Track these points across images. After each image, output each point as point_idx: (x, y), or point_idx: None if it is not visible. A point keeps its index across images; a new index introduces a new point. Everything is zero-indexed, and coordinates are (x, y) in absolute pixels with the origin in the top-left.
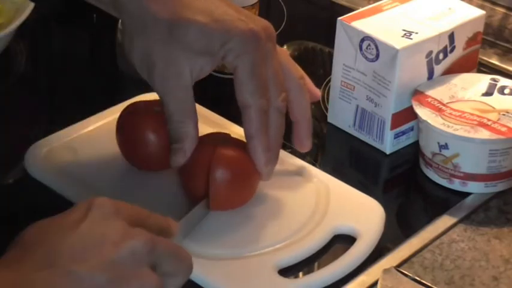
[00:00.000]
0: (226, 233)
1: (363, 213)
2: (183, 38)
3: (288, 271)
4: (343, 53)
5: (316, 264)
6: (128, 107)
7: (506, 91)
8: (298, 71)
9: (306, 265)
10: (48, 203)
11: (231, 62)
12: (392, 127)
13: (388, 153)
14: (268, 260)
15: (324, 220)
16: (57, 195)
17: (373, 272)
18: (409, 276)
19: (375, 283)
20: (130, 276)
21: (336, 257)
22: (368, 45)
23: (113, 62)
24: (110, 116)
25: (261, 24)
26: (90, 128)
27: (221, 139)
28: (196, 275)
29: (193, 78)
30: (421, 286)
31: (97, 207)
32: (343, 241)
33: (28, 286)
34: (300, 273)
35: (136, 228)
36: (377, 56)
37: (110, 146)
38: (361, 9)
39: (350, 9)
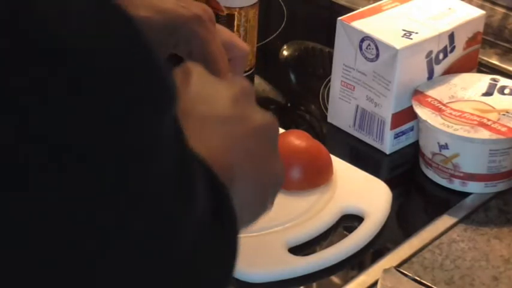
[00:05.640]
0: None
1: (369, 193)
2: None
3: (298, 249)
4: (343, 53)
5: (325, 242)
6: None
7: (506, 91)
8: (244, 44)
9: (316, 243)
10: None
11: (184, 49)
12: (392, 127)
13: (388, 153)
14: (279, 238)
15: (332, 200)
16: None
17: (373, 272)
18: (409, 276)
19: (375, 283)
20: (251, 112)
21: (344, 235)
22: (368, 45)
23: None
24: None
25: (201, 7)
26: None
27: None
28: None
29: None
30: (421, 286)
31: (196, 71)
32: (351, 221)
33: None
34: (310, 251)
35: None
36: (377, 56)
37: None
38: (361, 9)
39: (350, 9)
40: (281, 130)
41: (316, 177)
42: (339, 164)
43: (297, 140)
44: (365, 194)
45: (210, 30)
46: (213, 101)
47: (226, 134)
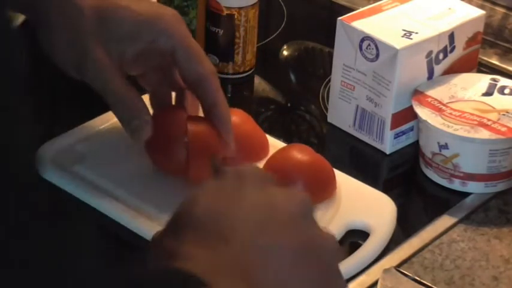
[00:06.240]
0: None
1: (374, 208)
2: (112, 23)
3: None
4: (343, 53)
5: None
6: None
7: (506, 91)
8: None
9: None
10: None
11: (165, 43)
12: (392, 127)
13: (388, 153)
14: None
15: (337, 215)
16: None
17: (373, 272)
18: (409, 276)
19: (375, 283)
20: (312, 236)
21: (350, 252)
22: (368, 45)
23: None
24: None
25: (172, 10)
26: (102, 126)
27: (177, 111)
28: None
29: (121, 62)
30: (421, 286)
31: (250, 175)
32: (356, 236)
33: (228, 268)
34: None
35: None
36: (377, 56)
37: (121, 143)
38: (361, 9)
39: (350, 9)
40: (281, 131)
41: (320, 191)
42: (342, 178)
43: (299, 154)
44: (370, 208)
45: (187, 27)
46: (273, 228)
47: (292, 265)
